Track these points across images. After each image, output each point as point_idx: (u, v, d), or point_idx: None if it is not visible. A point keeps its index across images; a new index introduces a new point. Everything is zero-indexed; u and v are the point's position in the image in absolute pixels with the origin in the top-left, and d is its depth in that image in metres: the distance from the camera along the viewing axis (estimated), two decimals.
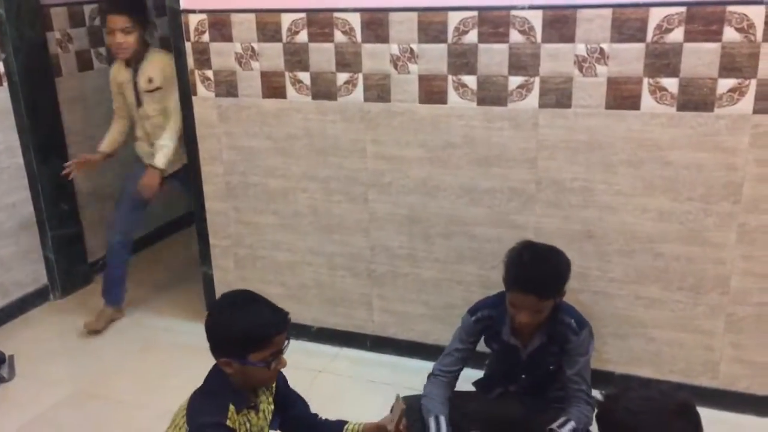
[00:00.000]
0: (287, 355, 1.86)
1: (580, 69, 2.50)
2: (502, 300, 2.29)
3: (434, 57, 2.67)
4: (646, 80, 2.44)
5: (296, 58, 2.87)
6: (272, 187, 3.11)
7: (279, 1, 2.84)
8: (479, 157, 2.73)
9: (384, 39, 2.72)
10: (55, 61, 3.69)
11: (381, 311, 3.12)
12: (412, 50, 2.69)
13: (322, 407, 2.17)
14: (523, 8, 2.51)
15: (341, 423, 2.11)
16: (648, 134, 2.49)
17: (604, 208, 2.63)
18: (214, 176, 3.20)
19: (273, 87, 2.95)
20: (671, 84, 2.42)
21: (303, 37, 2.83)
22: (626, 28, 2.41)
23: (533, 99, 2.59)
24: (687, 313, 2.64)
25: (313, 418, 2.11)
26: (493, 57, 2.59)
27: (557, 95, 2.56)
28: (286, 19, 2.84)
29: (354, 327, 3.18)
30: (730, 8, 2.29)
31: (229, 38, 2.95)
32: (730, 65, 2.34)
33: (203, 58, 3.02)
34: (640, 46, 2.41)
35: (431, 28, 2.64)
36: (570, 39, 2.48)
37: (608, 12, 2.42)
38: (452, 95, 2.70)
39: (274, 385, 2.00)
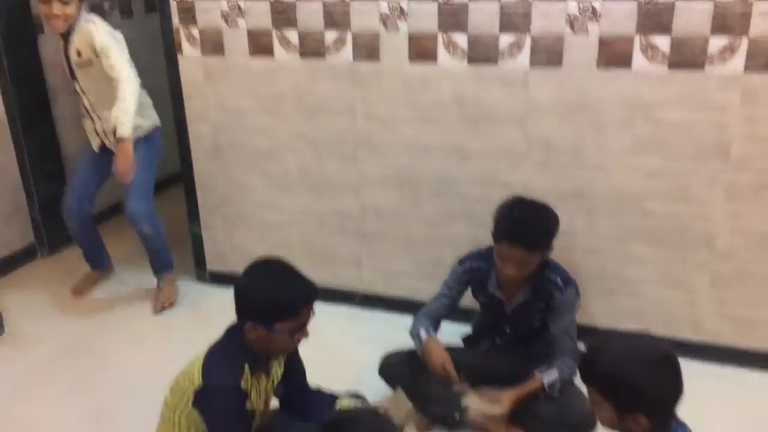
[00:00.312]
0: None
1: (572, 27, 2.48)
2: (491, 254, 2.33)
3: (424, 15, 2.63)
4: (637, 39, 2.43)
5: (284, 16, 2.82)
6: (260, 146, 3.09)
7: None
8: (469, 117, 2.72)
9: None
10: (38, 21, 3.59)
11: (370, 269, 3.14)
12: (401, 8, 2.65)
13: (311, 362, 2.17)
14: None
15: (333, 397, 2.14)
16: (638, 93, 2.49)
17: (593, 167, 2.64)
18: (202, 136, 3.17)
19: (260, 45, 2.91)
20: (663, 42, 2.41)
21: None
22: None
23: (524, 58, 2.57)
24: (674, 270, 2.68)
25: (307, 387, 2.14)
26: (484, 15, 2.56)
27: (548, 54, 2.54)
28: None
29: (343, 285, 3.20)
30: None
31: None
32: (722, 23, 2.33)
33: (189, 16, 2.96)
34: (632, 4, 2.39)
35: None
36: None
37: None
38: (442, 54, 2.67)
39: None
